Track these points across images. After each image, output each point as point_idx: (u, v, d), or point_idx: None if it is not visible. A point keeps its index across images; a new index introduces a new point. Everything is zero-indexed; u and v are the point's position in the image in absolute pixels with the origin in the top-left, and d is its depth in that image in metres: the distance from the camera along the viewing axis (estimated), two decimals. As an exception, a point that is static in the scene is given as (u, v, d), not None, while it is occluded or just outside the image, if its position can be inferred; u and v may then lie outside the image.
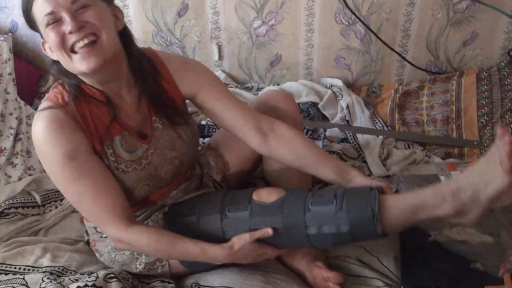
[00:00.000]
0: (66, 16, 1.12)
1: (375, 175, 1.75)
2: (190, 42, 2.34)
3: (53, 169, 1.22)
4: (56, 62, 1.22)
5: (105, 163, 1.25)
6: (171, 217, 1.35)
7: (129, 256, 1.38)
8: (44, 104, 1.22)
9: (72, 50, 1.15)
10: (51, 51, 1.19)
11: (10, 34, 2.07)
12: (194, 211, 1.32)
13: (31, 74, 2.23)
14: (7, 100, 1.92)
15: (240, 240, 1.23)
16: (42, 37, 1.20)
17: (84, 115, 1.22)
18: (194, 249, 1.24)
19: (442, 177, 1.54)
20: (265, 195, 1.27)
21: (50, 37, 1.14)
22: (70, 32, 1.13)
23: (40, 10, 1.14)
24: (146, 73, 1.30)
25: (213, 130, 2.01)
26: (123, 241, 1.25)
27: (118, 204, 1.23)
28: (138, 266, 1.38)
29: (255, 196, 1.28)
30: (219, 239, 1.26)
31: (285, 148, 1.36)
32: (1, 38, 1.97)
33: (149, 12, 2.26)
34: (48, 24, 1.14)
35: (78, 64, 1.15)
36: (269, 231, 1.22)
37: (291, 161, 1.37)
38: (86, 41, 1.14)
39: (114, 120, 1.26)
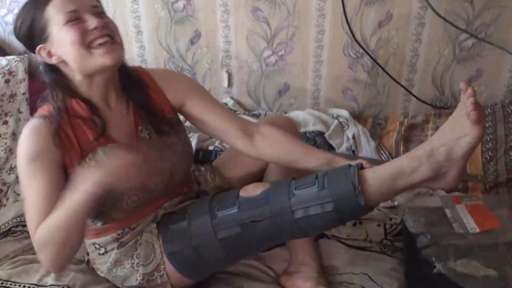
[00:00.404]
0: (90, 16, 1.20)
1: (380, 205, 1.76)
2: (201, 69, 2.39)
3: (18, 166, 1.24)
4: (51, 71, 1.26)
5: None
6: (163, 227, 1.36)
7: (129, 269, 1.38)
8: (36, 114, 1.27)
9: (89, 47, 1.20)
10: (49, 56, 1.23)
11: (26, 55, 2.11)
12: (185, 216, 1.33)
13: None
14: (19, 119, 1.95)
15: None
16: (42, 42, 1.22)
17: (65, 130, 1.24)
18: (65, 204, 1.14)
19: (447, 210, 1.55)
20: (251, 189, 1.28)
21: (70, 33, 1.18)
22: (95, 28, 1.19)
23: (61, 7, 1.18)
24: (133, 83, 1.36)
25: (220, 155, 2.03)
26: (35, 242, 1.19)
27: (45, 215, 1.17)
28: (138, 278, 1.38)
29: (242, 192, 1.29)
30: (212, 239, 1.27)
31: (272, 146, 1.40)
32: (17, 59, 2.01)
33: (162, 38, 2.31)
34: (69, 21, 1.18)
35: (101, 58, 1.20)
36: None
37: (279, 158, 1.40)
38: (106, 39, 1.20)
39: (101, 135, 1.27)
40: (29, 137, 1.22)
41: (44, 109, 1.26)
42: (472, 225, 1.48)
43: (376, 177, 1.17)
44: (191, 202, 1.42)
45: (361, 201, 1.15)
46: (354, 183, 1.15)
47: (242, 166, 1.55)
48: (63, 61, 1.23)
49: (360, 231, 1.67)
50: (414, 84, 2.26)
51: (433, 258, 1.39)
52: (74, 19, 1.19)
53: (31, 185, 1.22)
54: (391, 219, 1.71)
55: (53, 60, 1.24)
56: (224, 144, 2.04)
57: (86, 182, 1.11)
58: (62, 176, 1.25)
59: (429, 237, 1.44)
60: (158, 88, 1.40)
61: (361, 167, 1.21)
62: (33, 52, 1.26)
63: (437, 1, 2.02)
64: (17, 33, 1.25)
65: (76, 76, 1.26)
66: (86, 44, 1.20)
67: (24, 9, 1.23)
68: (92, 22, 1.19)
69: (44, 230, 1.15)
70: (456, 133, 1.12)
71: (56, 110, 1.24)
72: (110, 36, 1.22)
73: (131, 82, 1.35)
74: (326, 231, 1.66)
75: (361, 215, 1.26)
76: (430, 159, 1.14)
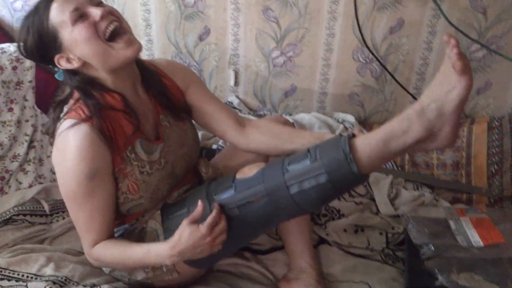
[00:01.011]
0: (92, 7, 1.20)
1: (383, 213, 1.76)
2: (208, 66, 2.37)
3: (70, 185, 1.24)
4: (74, 74, 1.26)
5: (128, 169, 1.28)
6: (164, 216, 1.37)
7: None
8: (68, 122, 1.22)
9: (107, 39, 1.21)
10: (69, 62, 1.23)
11: (34, 42, 2.09)
12: (184, 204, 1.33)
13: (50, 83, 2.24)
14: (24, 107, 1.94)
15: (180, 230, 1.22)
16: (57, 52, 1.22)
17: (108, 128, 1.25)
18: (140, 251, 1.26)
19: (451, 222, 1.55)
20: (247, 171, 1.27)
21: (82, 31, 1.19)
22: (102, 17, 1.20)
23: (62, 11, 1.18)
24: (149, 72, 1.38)
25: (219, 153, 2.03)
26: (90, 258, 1.33)
27: (103, 229, 1.29)
28: (145, 268, 1.38)
29: (238, 174, 1.28)
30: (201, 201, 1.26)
31: (260, 132, 1.43)
32: (25, 46, 1.99)
33: (171, 33, 2.29)
34: (75, 21, 1.19)
35: (123, 51, 1.22)
36: (199, 206, 1.22)
37: (267, 142, 1.41)
38: (115, 24, 1.22)
39: (139, 126, 1.30)
40: (85, 151, 1.20)
41: (76, 108, 1.24)
42: (476, 239, 1.49)
43: (367, 142, 1.14)
44: (189, 192, 1.42)
45: (353, 168, 1.12)
46: (345, 151, 1.13)
47: (241, 161, 1.53)
48: (84, 63, 1.23)
49: (361, 239, 1.67)
50: (422, 92, 2.24)
51: (436, 270, 1.39)
52: (80, 16, 1.19)
53: (90, 201, 1.25)
54: (393, 228, 1.70)
55: (75, 64, 1.23)
56: (227, 143, 2.03)
57: (165, 258, 1.23)
58: (114, 181, 1.28)
59: (433, 248, 1.44)
60: (167, 76, 1.44)
61: (352, 136, 1.18)
62: (47, 64, 1.25)
63: (450, 10, 2.01)
64: (26, 49, 1.24)
65: (101, 74, 1.26)
66: (103, 37, 1.20)
67: (26, 23, 1.22)
68: (96, 12, 1.20)
69: (105, 255, 1.29)
70: (444, 87, 1.09)
71: (95, 107, 1.23)
72: (117, 20, 1.23)
73: (147, 72, 1.38)
74: (328, 238, 1.65)
75: (357, 184, 1.22)
76: (421, 118, 1.10)
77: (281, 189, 1.19)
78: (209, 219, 1.20)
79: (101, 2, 1.25)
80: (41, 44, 1.21)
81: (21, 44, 1.23)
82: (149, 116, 1.37)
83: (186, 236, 1.20)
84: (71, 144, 1.21)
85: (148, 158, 1.32)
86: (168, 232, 1.33)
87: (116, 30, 1.22)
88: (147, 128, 1.36)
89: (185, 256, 1.22)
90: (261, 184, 1.21)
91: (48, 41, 1.21)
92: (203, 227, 1.19)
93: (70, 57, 1.22)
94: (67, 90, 1.30)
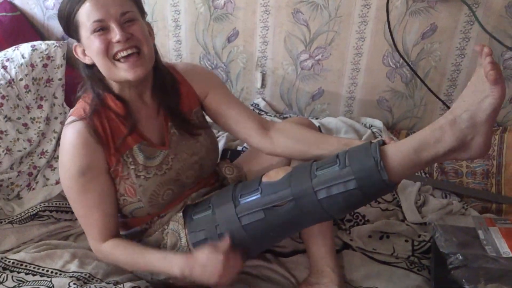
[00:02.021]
0: (115, 26, 1.20)
1: (410, 221, 1.72)
2: (235, 67, 2.37)
3: (65, 180, 1.31)
4: (88, 66, 1.29)
5: (124, 173, 1.31)
6: (188, 217, 1.37)
7: None
8: (70, 118, 1.29)
9: (115, 58, 1.23)
10: (84, 55, 1.27)
11: (65, 41, 2.13)
12: (209, 205, 1.34)
13: (78, 82, 2.27)
14: (54, 104, 1.96)
15: (203, 248, 1.25)
16: (78, 40, 1.26)
17: (103, 127, 1.29)
18: (155, 255, 1.30)
19: (480, 232, 1.51)
20: (274, 175, 1.27)
21: (95, 43, 1.21)
22: (118, 41, 1.20)
23: (88, 15, 1.20)
24: (167, 86, 1.38)
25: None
26: (99, 253, 1.38)
27: (103, 224, 1.33)
28: None
29: (265, 178, 1.28)
30: (236, 227, 1.27)
31: (285, 136, 1.40)
32: (57, 44, 2.02)
33: (200, 34, 2.30)
34: (94, 31, 1.21)
35: (124, 72, 1.23)
36: (227, 240, 1.25)
37: (293, 147, 1.38)
38: (129, 51, 1.22)
39: (132, 132, 1.32)
40: (77, 148, 1.25)
41: (81, 107, 1.30)
42: (505, 249, 1.45)
43: (398, 150, 1.13)
44: (214, 193, 1.43)
45: (384, 176, 1.11)
46: (375, 158, 1.12)
47: (262, 164, 1.53)
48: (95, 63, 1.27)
49: (387, 246, 1.64)
50: (453, 99, 2.20)
51: (463, 280, 1.36)
52: (100, 28, 1.21)
53: (80, 199, 1.30)
54: (419, 235, 1.67)
55: (87, 60, 1.28)
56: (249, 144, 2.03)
57: (176, 268, 1.25)
58: (110, 179, 1.32)
59: (461, 258, 1.41)
60: (186, 82, 1.44)
61: (382, 143, 1.18)
62: (68, 34, 1.30)
63: (484, 17, 1.97)
64: (59, 19, 1.28)
65: (108, 79, 1.30)
66: (111, 56, 1.22)
67: (64, 1, 1.24)
68: (116, 34, 1.20)
69: (117, 253, 1.33)
70: (476, 96, 1.07)
71: (92, 105, 1.28)
72: (137, 47, 1.23)
73: (164, 82, 1.38)
74: (352, 243, 1.63)
75: (386, 192, 1.22)
76: (453, 127, 1.09)
77: (309, 194, 1.18)
78: (231, 252, 1.24)
79: (132, 20, 1.24)
80: (67, 26, 1.26)
81: (59, 12, 1.26)
82: (155, 122, 1.38)
83: (205, 254, 1.24)
84: (66, 141, 1.27)
85: (147, 163, 1.33)
86: (192, 234, 1.34)
87: (130, 56, 1.23)
88: (151, 134, 1.37)
89: (195, 272, 1.24)
90: (288, 189, 1.21)
91: (72, 29, 1.25)
92: (221, 255, 1.22)
93: (85, 52, 1.26)
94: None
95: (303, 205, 1.19)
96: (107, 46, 1.21)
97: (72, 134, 1.26)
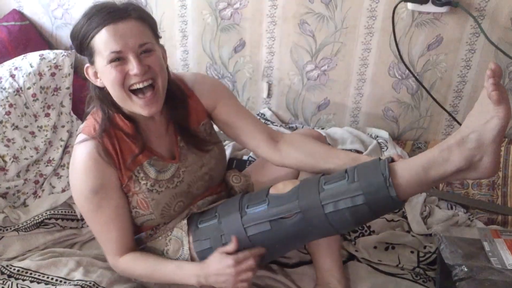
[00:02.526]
0: (133, 59, 1.19)
1: (415, 232, 1.72)
2: (241, 77, 2.38)
3: (78, 199, 1.32)
4: (98, 87, 1.28)
5: (136, 188, 1.32)
6: (193, 225, 1.38)
7: None
8: (80, 137, 1.30)
9: (129, 89, 1.22)
10: (95, 77, 1.26)
11: (73, 50, 2.14)
12: (215, 214, 1.34)
13: (85, 90, 2.28)
14: (61, 113, 1.98)
15: (212, 255, 1.27)
16: (91, 63, 1.24)
17: (113, 147, 1.29)
18: (170, 266, 1.31)
19: (485, 244, 1.51)
20: (281, 187, 1.28)
21: (112, 73, 1.20)
22: (135, 75, 1.19)
23: (105, 44, 1.18)
24: (177, 101, 1.37)
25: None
26: (117, 268, 1.39)
27: (120, 239, 1.34)
28: None
29: (272, 190, 1.29)
30: (242, 237, 1.27)
31: (294, 149, 1.40)
32: (65, 53, 2.04)
33: (207, 44, 2.31)
34: (112, 61, 1.19)
35: (139, 108, 1.24)
36: (234, 242, 1.26)
37: (301, 160, 1.38)
38: (145, 84, 1.22)
39: (143, 151, 1.32)
40: (89, 168, 1.26)
41: (91, 124, 1.30)
42: (510, 261, 1.45)
43: (407, 168, 1.14)
44: (221, 202, 1.43)
45: (392, 193, 1.13)
46: (384, 174, 1.13)
47: (270, 175, 1.53)
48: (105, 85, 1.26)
49: (392, 257, 1.63)
50: (459, 110, 2.20)
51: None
52: (117, 59, 1.19)
53: (94, 216, 1.32)
54: (425, 247, 1.67)
55: (98, 83, 1.27)
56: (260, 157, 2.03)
57: (192, 277, 1.27)
58: (124, 195, 1.33)
59: (466, 270, 1.40)
60: (194, 95, 1.43)
61: (391, 161, 1.19)
62: (79, 53, 1.29)
63: (490, 29, 1.97)
64: (71, 38, 1.27)
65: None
66: (127, 87, 1.22)
67: (80, 23, 1.23)
68: (134, 67, 1.19)
69: (135, 267, 1.35)
70: (483, 117, 1.08)
71: (102, 125, 1.28)
72: (152, 78, 1.23)
73: (174, 101, 1.37)
74: (357, 254, 1.63)
75: (394, 209, 1.24)
76: (460, 148, 1.10)
77: (316, 207, 1.18)
78: (240, 254, 1.25)
79: (150, 51, 1.23)
80: (80, 48, 1.25)
81: (72, 32, 1.25)
82: (164, 137, 1.38)
83: (215, 262, 1.25)
84: (77, 161, 1.28)
85: (159, 177, 1.34)
86: (197, 242, 1.34)
87: (145, 92, 1.23)
88: (160, 148, 1.37)
89: (210, 281, 1.26)
90: (295, 201, 1.21)
91: (85, 52, 1.25)
92: (230, 258, 1.24)
93: (98, 75, 1.25)
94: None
95: (309, 218, 1.20)
96: (123, 78, 1.20)
97: (83, 154, 1.26)
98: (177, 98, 1.37)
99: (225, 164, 1.55)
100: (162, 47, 1.32)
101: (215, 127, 1.52)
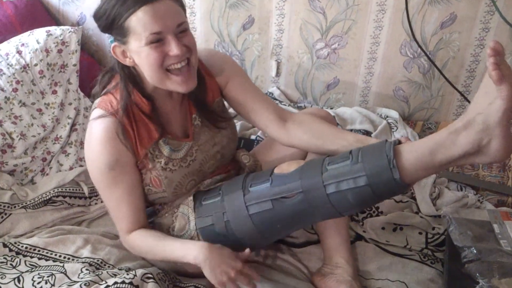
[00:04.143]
0: (172, 40, 1.19)
1: (424, 213, 1.70)
2: (250, 55, 2.36)
3: (94, 173, 1.33)
4: (125, 66, 1.27)
5: (150, 166, 1.32)
6: (197, 202, 1.38)
7: None
8: (96, 111, 1.29)
9: (167, 69, 1.22)
10: (124, 56, 1.24)
11: (80, 27, 2.12)
12: (219, 192, 1.35)
13: (92, 67, 2.27)
14: (68, 90, 1.97)
15: (226, 248, 1.27)
16: (121, 42, 1.22)
17: (131, 124, 1.29)
18: (174, 243, 1.31)
19: (495, 226, 1.49)
20: (286, 167, 1.27)
21: (151, 55, 1.19)
22: (176, 55, 1.19)
23: (144, 25, 1.16)
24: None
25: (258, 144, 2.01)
26: (126, 244, 1.40)
27: (132, 215, 1.34)
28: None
29: (277, 170, 1.28)
30: (243, 215, 1.27)
31: (302, 129, 1.38)
32: (71, 30, 2.02)
33: (215, 21, 2.28)
34: (151, 42, 1.18)
35: (177, 85, 1.24)
36: (248, 251, 1.27)
37: (308, 141, 1.37)
38: (183, 64, 1.23)
39: (159, 131, 1.32)
40: (105, 143, 1.26)
41: (108, 100, 1.29)
42: (521, 244, 1.43)
43: (413, 150, 1.11)
44: (226, 181, 1.43)
45: (395, 175, 1.10)
46: (388, 156, 1.11)
47: (277, 155, 1.53)
48: (136, 65, 1.25)
49: (400, 238, 1.62)
50: (471, 90, 2.17)
51: (477, 274, 1.34)
52: (157, 40, 1.18)
53: (109, 191, 1.32)
54: (434, 228, 1.65)
55: (127, 62, 1.25)
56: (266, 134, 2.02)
57: (192, 254, 1.26)
58: (138, 172, 1.34)
59: (475, 252, 1.40)
60: (209, 72, 1.43)
61: (398, 143, 1.16)
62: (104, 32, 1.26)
63: (505, 7, 1.93)
64: (96, 18, 1.23)
65: (146, 79, 1.28)
66: (164, 67, 1.21)
67: (110, 1, 1.18)
68: (174, 48, 1.19)
69: (141, 243, 1.35)
70: (487, 98, 1.04)
71: (124, 102, 1.27)
72: (188, 58, 1.24)
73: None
74: (365, 235, 1.62)
75: (398, 192, 1.20)
76: (468, 130, 1.06)
77: (318, 187, 1.17)
78: (248, 269, 1.25)
79: (185, 30, 1.23)
80: (108, 27, 1.22)
81: (97, 12, 1.21)
82: (179, 115, 1.39)
83: (226, 255, 1.25)
84: (94, 136, 1.28)
85: (173, 156, 1.34)
86: (199, 219, 1.35)
87: (182, 69, 1.23)
88: (175, 127, 1.38)
89: (206, 264, 1.24)
90: (298, 181, 1.20)
91: (117, 32, 1.21)
92: (239, 264, 1.24)
93: (127, 54, 1.24)
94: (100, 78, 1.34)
95: (311, 198, 1.19)
96: (163, 59, 1.20)
97: (100, 129, 1.26)
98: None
99: (236, 142, 1.54)
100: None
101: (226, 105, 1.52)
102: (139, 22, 1.16)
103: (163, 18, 1.17)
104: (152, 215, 1.46)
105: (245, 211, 1.27)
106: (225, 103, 1.51)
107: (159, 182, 1.34)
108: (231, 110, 1.56)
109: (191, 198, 1.39)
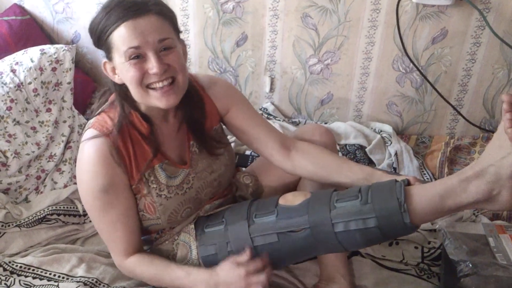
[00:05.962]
0: (152, 57, 1.15)
1: (419, 227, 1.70)
2: (244, 71, 2.37)
3: (86, 197, 1.28)
4: (117, 84, 1.25)
5: (145, 191, 1.29)
6: (199, 229, 1.36)
7: None
8: (90, 132, 1.24)
9: (148, 87, 1.18)
10: (113, 73, 1.22)
11: (74, 45, 2.13)
12: (222, 220, 1.32)
13: (87, 85, 2.28)
14: (62, 108, 1.97)
15: (223, 264, 1.24)
16: (109, 59, 1.21)
17: (126, 147, 1.25)
18: (179, 273, 1.27)
19: (491, 239, 1.49)
20: (291, 198, 1.26)
21: (130, 71, 1.16)
22: (155, 74, 1.15)
23: (124, 40, 1.13)
24: (193, 102, 1.34)
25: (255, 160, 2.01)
26: (123, 269, 1.35)
27: (127, 239, 1.30)
28: None
29: (282, 201, 1.27)
30: (248, 246, 1.25)
31: (307, 159, 1.38)
32: (65, 48, 2.03)
33: (208, 38, 2.30)
34: (130, 58, 1.15)
35: (156, 100, 1.19)
36: (247, 252, 1.23)
37: (315, 171, 1.37)
38: (165, 83, 1.18)
39: (156, 154, 1.29)
40: (98, 166, 1.21)
41: (103, 120, 1.26)
42: (516, 257, 1.43)
43: (423, 194, 1.12)
44: (228, 207, 1.40)
45: (406, 219, 1.10)
46: (399, 199, 1.11)
47: (276, 175, 1.52)
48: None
49: (396, 252, 1.62)
50: (464, 104, 2.19)
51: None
52: (136, 56, 1.15)
53: (102, 216, 1.27)
54: (429, 242, 1.65)
55: (116, 79, 1.23)
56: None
57: (201, 284, 1.24)
58: (133, 195, 1.29)
59: (471, 266, 1.39)
60: (208, 98, 1.40)
61: (407, 184, 1.16)
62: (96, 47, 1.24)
63: (496, 22, 1.96)
64: (89, 32, 1.22)
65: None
66: (144, 85, 1.18)
67: (98, 16, 1.17)
68: (153, 66, 1.14)
69: (142, 269, 1.31)
70: (500, 152, 1.06)
71: (118, 123, 1.24)
72: (172, 76, 1.19)
73: (190, 100, 1.33)
74: (361, 249, 1.61)
75: (405, 234, 1.21)
76: (479, 180, 1.08)
77: (326, 225, 1.17)
78: (251, 265, 1.22)
79: (170, 48, 1.18)
80: (97, 42, 1.20)
81: (90, 25, 1.20)
82: (177, 141, 1.35)
83: (225, 271, 1.23)
84: (86, 158, 1.23)
85: (169, 182, 1.31)
86: (202, 247, 1.33)
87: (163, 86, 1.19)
88: (172, 153, 1.34)
89: None
90: (305, 216, 1.20)
91: (103, 47, 1.20)
92: (242, 268, 1.21)
93: (115, 71, 1.22)
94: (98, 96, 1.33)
95: (318, 234, 1.18)
96: (142, 77, 1.16)
97: (93, 151, 1.21)
98: (193, 98, 1.33)
99: (233, 169, 1.52)
100: (182, 42, 1.26)
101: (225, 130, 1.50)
102: (120, 37, 1.13)
103: (143, 33, 1.13)
104: (151, 243, 1.43)
105: (250, 242, 1.25)
106: (224, 128, 1.49)
107: (153, 208, 1.30)
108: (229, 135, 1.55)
109: (193, 226, 1.36)
